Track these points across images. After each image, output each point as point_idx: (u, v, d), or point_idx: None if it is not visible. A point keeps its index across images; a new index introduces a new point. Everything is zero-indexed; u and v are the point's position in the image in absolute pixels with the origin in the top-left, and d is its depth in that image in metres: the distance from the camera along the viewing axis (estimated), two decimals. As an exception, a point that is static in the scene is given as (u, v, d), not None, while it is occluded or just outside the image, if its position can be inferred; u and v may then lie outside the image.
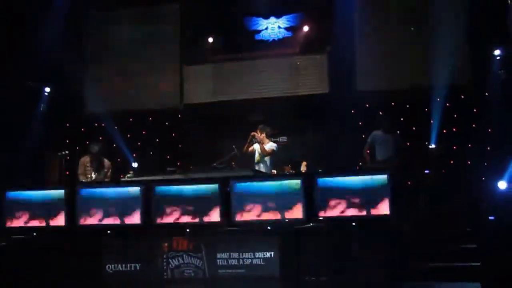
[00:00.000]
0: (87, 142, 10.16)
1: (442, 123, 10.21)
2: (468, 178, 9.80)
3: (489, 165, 10.02)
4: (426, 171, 9.62)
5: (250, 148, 9.12)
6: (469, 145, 10.49)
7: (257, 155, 9.14)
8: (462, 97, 10.63)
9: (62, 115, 11.93)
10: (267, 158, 9.08)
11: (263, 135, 9.09)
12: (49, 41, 10.77)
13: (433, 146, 9.21)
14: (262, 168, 8.94)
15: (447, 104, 10.40)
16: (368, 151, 9.35)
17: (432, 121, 10.31)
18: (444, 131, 10.35)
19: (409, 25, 10.93)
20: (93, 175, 9.16)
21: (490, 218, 8.21)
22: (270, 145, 9.08)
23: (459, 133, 10.54)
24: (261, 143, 9.02)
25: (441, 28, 10.54)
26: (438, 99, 10.39)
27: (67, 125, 12.14)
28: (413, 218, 8.33)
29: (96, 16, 12.25)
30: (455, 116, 10.61)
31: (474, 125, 10.49)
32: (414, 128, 10.68)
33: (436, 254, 7.01)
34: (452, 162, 10.38)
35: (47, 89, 11.55)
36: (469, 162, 10.35)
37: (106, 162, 9.38)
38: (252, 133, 9.07)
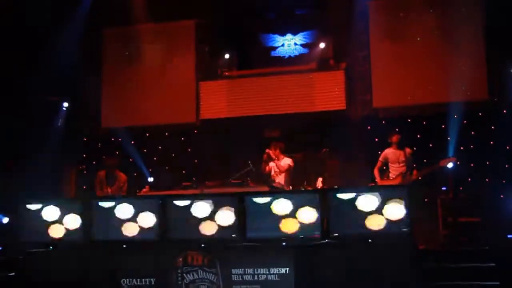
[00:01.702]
0: (103, 157, 10.24)
1: (459, 139, 10.12)
2: (486, 196, 9.69)
3: (507, 182, 9.91)
4: (443, 188, 9.52)
5: (267, 167, 9.15)
6: (487, 163, 10.37)
7: (273, 172, 9.16)
8: (480, 114, 10.54)
9: (79, 130, 12.04)
10: (283, 174, 9.08)
11: (277, 151, 9.11)
12: (66, 56, 10.92)
13: (451, 164, 9.10)
14: (278, 183, 8.92)
15: (464, 121, 10.32)
16: (378, 171, 9.29)
17: (449, 138, 10.22)
18: (462, 148, 10.26)
19: (426, 40, 10.89)
20: (109, 189, 9.22)
21: (509, 236, 8.11)
22: (285, 161, 9.10)
23: (477, 150, 10.43)
24: (276, 159, 9.04)
25: (459, 43, 10.51)
26: (455, 116, 10.32)
27: (84, 139, 12.24)
28: (430, 235, 8.26)
29: (113, 31, 12.39)
30: (472, 133, 10.51)
31: (492, 142, 10.38)
32: (431, 145, 10.59)
33: (453, 272, 6.91)
34: (469, 179, 10.26)
35: (65, 104, 11.69)
36: (487, 180, 10.23)
37: (122, 175, 9.43)
38: (267, 151, 9.10)
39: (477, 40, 10.58)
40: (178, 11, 11.85)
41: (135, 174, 11.11)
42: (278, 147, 9.19)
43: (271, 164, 9.19)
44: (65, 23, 11.07)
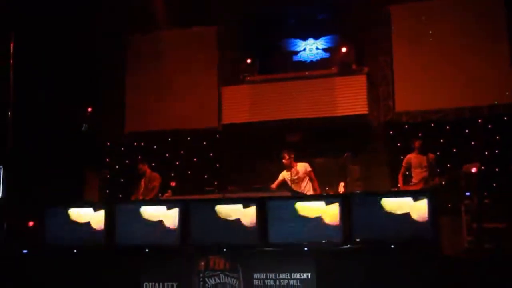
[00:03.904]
0: (127, 161, 10.34)
1: (483, 144, 9.99)
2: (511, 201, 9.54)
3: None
4: (467, 194, 9.39)
5: (279, 180, 8.90)
6: (513, 167, 10.22)
7: (289, 181, 8.85)
8: (505, 118, 10.40)
9: (102, 134, 12.16)
10: (305, 180, 8.91)
11: (291, 158, 8.85)
12: (90, 61, 11.06)
13: (474, 169, 8.98)
14: (304, 188, 8.78)
15: (489, 125, 10.19)
16: (402, 176, 9.19)
17: (473, 142, 10.10)
18: (486, 152, 10.12)
19: (448, 44, 10.79)
20: (141, 188, 9.43)
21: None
22: (301, 166, 8.87)
23: (501, 154, 10.28)
24: (291, 167, 8.79)
25: (483, 47, 10.41)
26: (479, 120, 10.20)
27: (108, 144, 12.36)
28: (454, 241, 8.15)
29: (137, 37, 12.52)
30: (497, 137, 10.37)
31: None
32: (454, 150, 10.47)
33: (480, 280, 6.80)
34: (494, 184, 10.11)
35: (89, 109, 11.82)
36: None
37: (154, 175, 9.57)
38: (284, 158, 8.82)
39: (502, 43, 10.46)
40: (200, 17, 11.94)
41: (157, 178, 11.16)
42: (289, 155, 8.90)
43: (286, 172, 8.92)
44: (89, 28, 11.20)
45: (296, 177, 8.75)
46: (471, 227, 8.72)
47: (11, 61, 9.45)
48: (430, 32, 10.92)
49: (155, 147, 12.03)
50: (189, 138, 12.11)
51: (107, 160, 12.21)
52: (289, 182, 8.72)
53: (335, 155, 10.95)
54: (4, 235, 8.56)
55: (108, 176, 11.90)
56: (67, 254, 7.23)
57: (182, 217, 6.90)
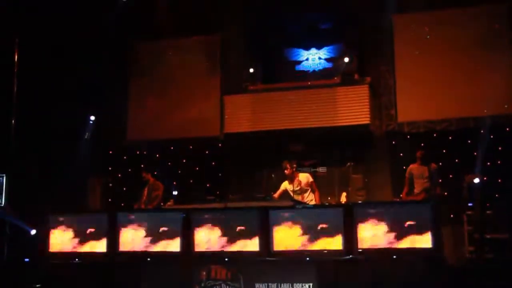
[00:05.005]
0: (129, 170, 10.34)
1: (486, 155, 9.97)
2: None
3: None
4: (470, 204, 9.39)
5: (281, 190, 8.86)
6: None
7: (292, 188, 8.83)
8: (507, 128, 10.39)
9: (105, 143, 12.18)
10: (308, 191, 8.88)
11: (294, 169, 8.82)
12: (94, 70, 11.11)
13: (476, 180, 8.99)
14: (306, 198, 8.76)
15: (491, 136, 10.18)
16: (406, 186, 9.18)
17: (475, 153, 10.09)
18: (488, 163, 10.11)
19: (451, 54, 10.81)
20: (144, 196, 9.46)
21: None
22: (303, 177, 8.83)
23: (504, 165, 10.26)
24: (293, 178, 8.74)
25: (486, 57, 10.41)
26: (482, 131, 10.20)
27: (110, 152, 12.36)
28: (456, 251, 8.14)
29: (140, 46, 12.56)
30: (499, 148, 10.36)
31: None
32: (456, 160, 10.46)
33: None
34: (497, 195, 10.09)
35: (92, 117, 11.85)
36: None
37: (157, 184, 9.64)
38: (286, 168, 8.77)
39: (505, 53, 10.45)
40: (203, 26, 11.98)
41: (159, 187, 11.18)
42: (290, 166, 8.85)
43: (288, 183, 8.88)
44: (93, 36, 11.25)
45: (298, 188, 8.73)
46: (473, 237, 8.73)
47: (15, 68, 9.51)
48: (429, 38, 10.92)
49: (157, 155, 12.03)
50: (191, 147, 12.10)
51: (110, 168, 12.22)
52: (290, 193, 8.70)
53: (337, 164, 10.96)
54: (6, 244, 8.59)
55: (110, 184, 11.90)
56: (69, 262, 7.24)
57: (184, 226, 6.91)
